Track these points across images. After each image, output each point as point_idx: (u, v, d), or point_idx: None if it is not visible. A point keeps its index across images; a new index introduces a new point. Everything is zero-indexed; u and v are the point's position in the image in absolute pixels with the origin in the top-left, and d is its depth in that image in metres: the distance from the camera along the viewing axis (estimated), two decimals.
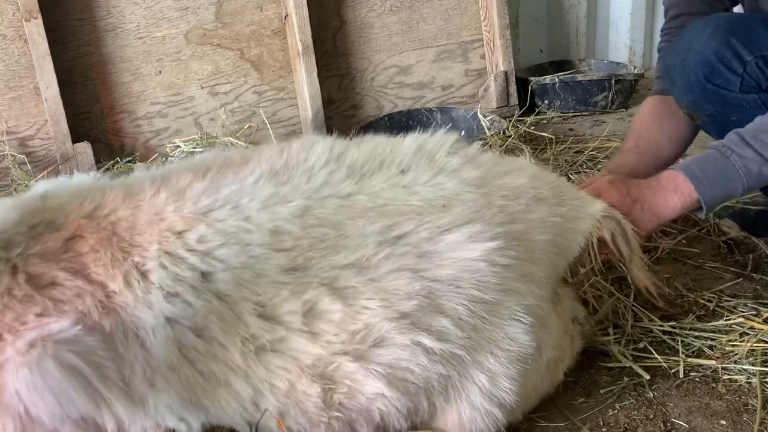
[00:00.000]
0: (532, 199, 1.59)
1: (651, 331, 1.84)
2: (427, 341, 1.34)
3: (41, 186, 1.48)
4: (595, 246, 1.68)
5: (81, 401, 1.18)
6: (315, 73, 3.39)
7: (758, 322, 1.84)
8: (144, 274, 1.28)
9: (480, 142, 2.94)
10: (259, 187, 1.42)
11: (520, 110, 3.69)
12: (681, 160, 2.47)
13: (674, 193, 1.81)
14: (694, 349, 1.79)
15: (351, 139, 1.64)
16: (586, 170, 2.90)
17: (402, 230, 1.41)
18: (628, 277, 1.84)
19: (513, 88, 3.71)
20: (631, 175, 2.08)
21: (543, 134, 3.28)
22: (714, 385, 1.68)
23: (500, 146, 2.99)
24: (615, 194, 1.79)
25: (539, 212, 1.58)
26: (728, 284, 2.05)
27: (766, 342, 1.77)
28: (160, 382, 1.25)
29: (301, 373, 1.30)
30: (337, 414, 1.32)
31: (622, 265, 1.81)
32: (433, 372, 1.36)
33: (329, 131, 3.46)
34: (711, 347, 1.78)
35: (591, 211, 1.70)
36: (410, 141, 1.63)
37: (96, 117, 3.22)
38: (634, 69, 3.89)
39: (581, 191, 1.76)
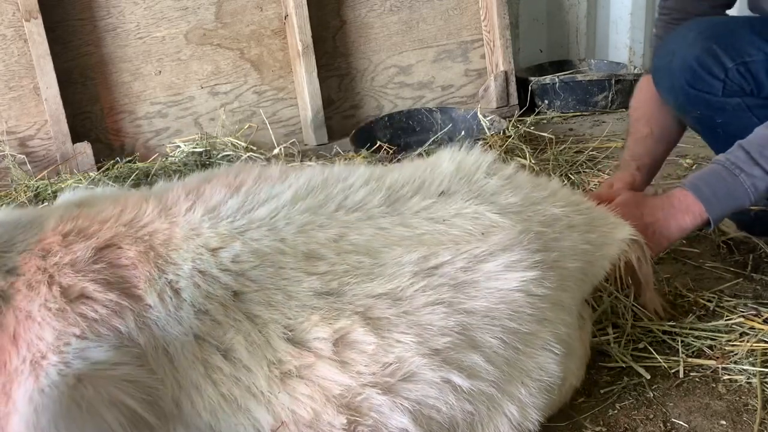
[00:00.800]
0: (565, 226, 1.58)
1: (651, 331, 1.84)
2: (457, 379, 1.33)
3: (77, 193, 1.48)
4: (623, 271, 1.69)
5: None
6: (315, 73, 3.39)
7: (758, 322, 1.84)
8: (177, 292, 1.27)
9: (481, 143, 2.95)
10: (296, 207, 1.40)
11: (520, 110, 3.68)
12: (682, 160, 2.48)
13: (686, 214, 1.82)
14: (694, 349, 1.79)
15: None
16: (586, 170, 2.90)
17: (439, 260, 1.38)
18: (641, 299, 1.85)
19: (513, 88, 3.70)
20: (653, 162, 2.13)
21: (543, 134, 3.27)
22: (714, 385, 1.68)
23: (500, 146, 2.99)
24: (628, 219, 1.78)
25: (571, 240, 1.57)
26: (728, 284, 2.05)
27: (766, 342, 1.77)
28: (186, 402, 1.24)
29: (327, 403, 1.26)
30: None
31: (637, 287, 1.82)
32: (459, 410, 1.34)
33: (329, 131, 3.46)
34: (711, 347, 1.79)
35: (620, 237, 1.69)
36: (448, 162, 1.60)
37: (96, 117, 3.22)
38: (634, 69, 3.89)
39: (611, 216, 1.74)
